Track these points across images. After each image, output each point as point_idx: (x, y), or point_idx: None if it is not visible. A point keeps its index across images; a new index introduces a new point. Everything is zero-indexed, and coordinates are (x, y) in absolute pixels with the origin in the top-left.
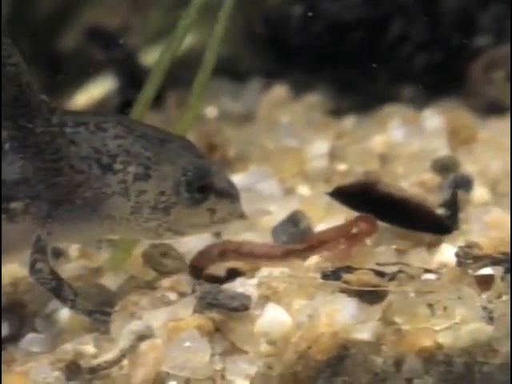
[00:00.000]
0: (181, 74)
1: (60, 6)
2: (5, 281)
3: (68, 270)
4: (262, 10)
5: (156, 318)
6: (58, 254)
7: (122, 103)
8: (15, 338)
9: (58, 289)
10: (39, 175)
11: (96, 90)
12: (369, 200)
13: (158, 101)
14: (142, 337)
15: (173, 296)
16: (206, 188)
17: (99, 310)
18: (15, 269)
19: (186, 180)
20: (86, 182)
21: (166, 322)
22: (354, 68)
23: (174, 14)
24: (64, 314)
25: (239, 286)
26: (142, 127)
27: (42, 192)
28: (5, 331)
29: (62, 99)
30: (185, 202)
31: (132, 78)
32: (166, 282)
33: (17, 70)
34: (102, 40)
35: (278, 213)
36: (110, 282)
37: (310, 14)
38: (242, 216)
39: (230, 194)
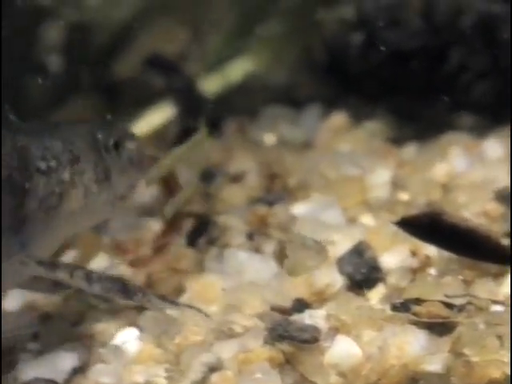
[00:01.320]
0: (239, 100)
1: (118, 33)
2: (72, 310)
3: None
4: (322, 38)
5: (226, 350)
6: None
7: (182, 131)
8: (83, 369)
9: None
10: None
11: (155, 118)
12: (435, 230)
13: (216, 128)
14: (212, 368)
15: (238, 328)
16: (117, 142)
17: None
18: None
19: (102, 143)
20: (42, 195)
21: (236, 354)
22: (413, 96)
23: (232, 41)
24: (133, 344)
25: (308, 317)
26: (41, 126)
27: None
28: (73, 362)
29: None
30: (111, 162)
31: (191, 105)
32: None
33: None
34: (161, 68)
35: (342, 242)
36: (175, 311)
37: (371, 42)
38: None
39: (133, 137)
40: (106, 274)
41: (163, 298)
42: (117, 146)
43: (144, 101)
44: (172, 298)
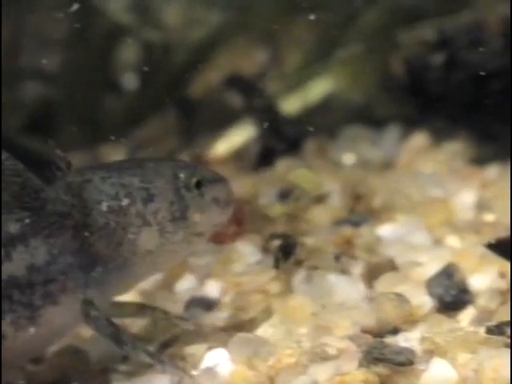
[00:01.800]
0: (318, 120)
1: (196, 52)
2: (160, 332)
3: (220, 320)
4: (402, 58)
5: (321, 372)
6: (209, 304)
7: (262, 151)
8: None
9: (117, 335)
10: (65, 249)
11: (236, 138)
12: None
13: (296, 148)
14: None
15: (331, 350)
16: (200, 181)
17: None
18: None
19: (183, 182)
20: (111, 234)
21: (332, 376)
22: (494, 116)
23: (312, 61)
24: (224, 366)
25: (402, 340)
26: (127, 163)
27: (73, 263)
28: (166, 383)
29: (198, 147)
30: (191, 201)
31: (272, 125)
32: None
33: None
34: (241, 87)
35: (430, 264)
36: (265, 333)
37: (451, 63)
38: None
39: (222, 179)
40: (108, 316)
41: (151, 354)
42: (199, 184)
43: (222, 120)
44: (259, 320)
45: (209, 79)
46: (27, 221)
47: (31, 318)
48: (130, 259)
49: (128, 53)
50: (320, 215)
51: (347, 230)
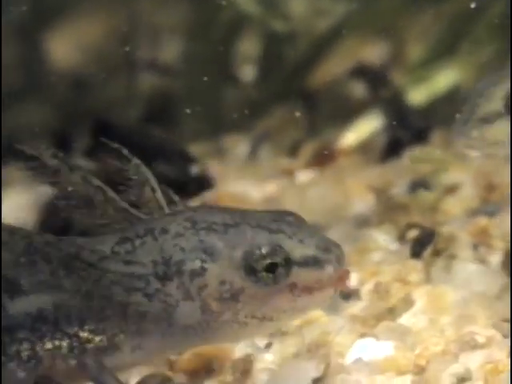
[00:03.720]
0: (445, 111)
1: (320, 42)
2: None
3: (360, 309)
4: None
5: (472, 361)
6: (348, 294)
7: (389, 142)
8: (323, 379)
9: None
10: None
11: (363, 129)
12: None
13: (423, 138)
14: (461, 379)
15: (480, 339)
16: (277, 265)
17: None
18: None
19: (246, 264)
20: (146, 304)
21: (484, 364)
22: None
23: (437, 51)
24: (372, 355)
25: None
26: (214, 216)
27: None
28: (313, 373)
29: (323, 138)
30: (253, 285)
31: (398, 116)
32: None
33: None
34: (367, 78)
35: None
36: (407, 322)
37: None
38: (339, 279)
39: (315, 261)
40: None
41: None
42: (272, 268)
43: (347, 111)
44: (400, 309)
45: (332, 70)
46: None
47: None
48: (167, 331)
49: (250, 44)
50: (453, 205)
51: (482, 220)
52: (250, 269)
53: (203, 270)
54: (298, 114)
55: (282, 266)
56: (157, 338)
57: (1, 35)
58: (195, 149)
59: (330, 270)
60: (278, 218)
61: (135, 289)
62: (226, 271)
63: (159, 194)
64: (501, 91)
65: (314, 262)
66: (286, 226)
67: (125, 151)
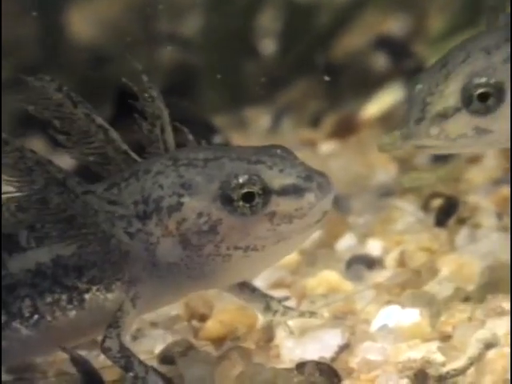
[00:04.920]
0: None
1: (340, 14)
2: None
3: (384, 278)
4: None
5: (499, 327)
6: (372, 262)
7: None
8: (349, 346)
9: (128, 367)
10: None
11: (385, 100)
12: None
13: None
14: (488, 345)
15: (507, 306)
16: (253, 194)
17: None
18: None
19: (223, 194)
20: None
21: (510, 331)
22: None
23: (459, 23)
24: (398, 322)
25: None
26: (197, 153)
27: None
28: (339, 340)
29: (345, 109)
30: (230, 216)
31: None
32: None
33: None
34: (390, 49)
35: None
36: (432, 289)
37: None
38: (321, 207)
39: (295, 190)
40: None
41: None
42: (250, 198)
43: (368, 83)
44: (425, 278)
45: (354, 42)
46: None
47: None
48: (158, 269)
49: (271, 16)
50: (476, 175)
51: (505, 190)
52: (226, 199)
53: (180, 204)
54: (319, 85)
55: (259, 195)
56: (148, 282)
57: (1, 33)
58: (218, 121)
59: (310, 197)
60: (261, 151)
61: (117, 227)
62: (203, 204)
63: (167, 136)
64: (453, 86)
65: (293, 191)
66: (267, 157)
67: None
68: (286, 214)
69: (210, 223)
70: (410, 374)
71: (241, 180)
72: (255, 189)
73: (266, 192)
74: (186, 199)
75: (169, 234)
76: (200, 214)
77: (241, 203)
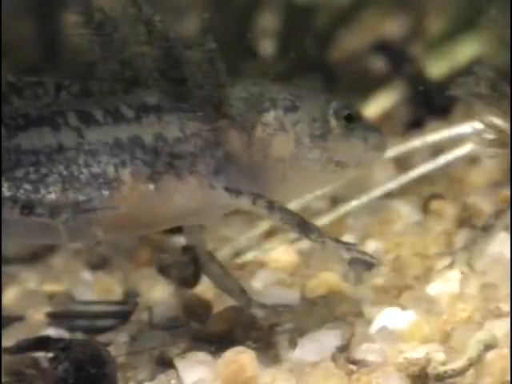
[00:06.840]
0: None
1: (339, 16)
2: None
3: (383, 279)
4: None
5: (498, 328)
6: (371, 263)
7: (411, 115)
8: (348, 347)
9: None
10: (199, 133)
11: (383, 102)
12: None
13: (445, 112)
14: (488, 346)
15: (505, 307)
16: (353, 117)
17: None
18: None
19: (333, 108)
20: (246, 129)
21: (509, 332)
22: None
23: (457, 24)
24: (400, 324)
25: None
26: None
27: (206, 149)
28: (337, 341)
29: None
30: (337, 128)
31: (419, 90)
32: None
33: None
34: (388, 52)
35: None
36: (431, 291)
37: None
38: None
39: (376, 128)
40: (287, 207)
41: (338, 241)
42: (350, 118)
43: (366, 85)
44: (423, 279)
45: (353, 44)
46: (166, 96)
47: (151, 177)
48: (260, 162)
49: (270, 17)
50: (476, 177)
51: (505, 191)
52: (335, 113)
53: (295, 107)
54: (316, 86)
55: (356, 119)
56: (251, 169)
57: (0, 32)
58: None
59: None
60: None
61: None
62: (315, 111)
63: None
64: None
65: (376, 128)
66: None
67: None
68: (375, 145)
69: (322, 130)
70: (409, 375)
71: (343, 103)
72: (353, 113)
73: (358, 118)
74: (301, 105)
75: (283, 129)
76: (315, 120)
77: (345, 122)
